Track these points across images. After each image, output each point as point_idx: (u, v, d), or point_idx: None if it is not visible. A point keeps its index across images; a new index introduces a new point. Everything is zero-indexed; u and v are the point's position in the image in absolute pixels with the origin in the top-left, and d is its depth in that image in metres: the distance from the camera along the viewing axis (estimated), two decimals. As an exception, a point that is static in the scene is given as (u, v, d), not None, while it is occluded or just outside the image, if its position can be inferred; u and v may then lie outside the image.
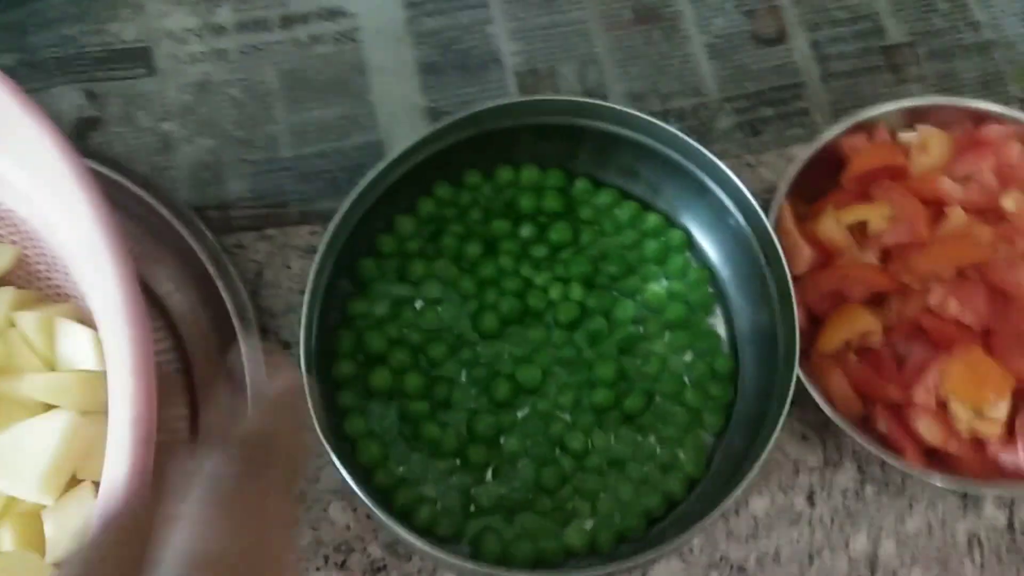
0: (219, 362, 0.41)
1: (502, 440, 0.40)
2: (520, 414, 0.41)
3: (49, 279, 0.38)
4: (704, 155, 0.40)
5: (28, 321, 0.36)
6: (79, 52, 0.47)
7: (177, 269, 0.41)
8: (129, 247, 0.31)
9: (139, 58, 0.47)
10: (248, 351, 0.40)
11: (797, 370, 0.37)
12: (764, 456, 0.36)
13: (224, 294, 0.41)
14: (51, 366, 0.36)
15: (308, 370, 0.36)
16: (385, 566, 0.40)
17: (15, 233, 0.37)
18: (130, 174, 0.42)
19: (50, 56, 0.47)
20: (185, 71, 0.47)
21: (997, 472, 0.40)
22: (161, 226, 0.42)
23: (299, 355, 0.37)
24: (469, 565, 0.35)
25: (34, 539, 0.33)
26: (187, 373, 0.41)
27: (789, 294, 0.38)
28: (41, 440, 0.33)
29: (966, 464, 0.40)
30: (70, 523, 0.34)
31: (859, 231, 0.43)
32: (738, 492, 0.35)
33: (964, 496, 0.43)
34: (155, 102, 0.46)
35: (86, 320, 0.37)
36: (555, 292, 0.42)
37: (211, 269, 0.41)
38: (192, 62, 0.47)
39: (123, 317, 0.30)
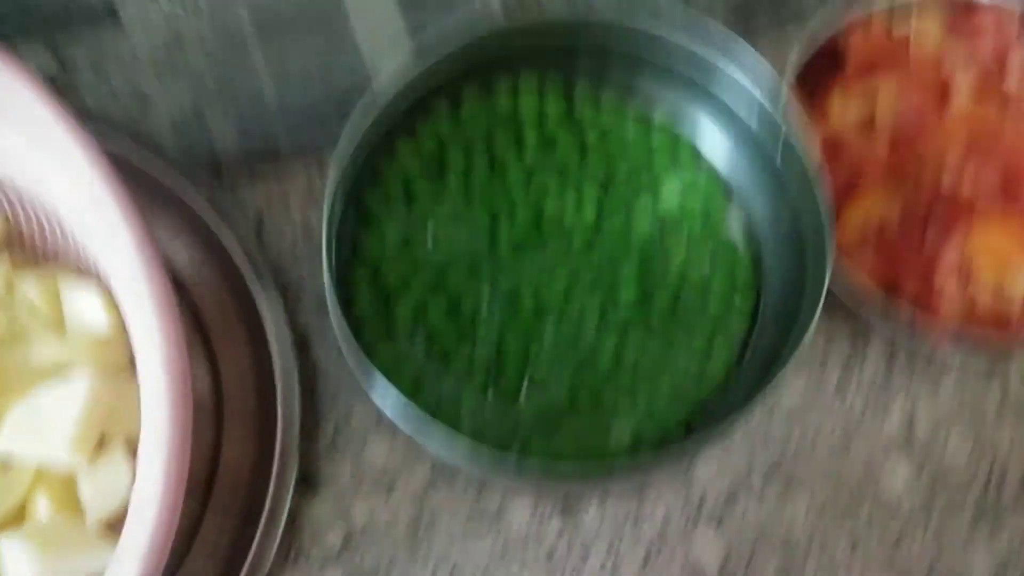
0: (233, 314, 0.39)
1: (532, 359, 0.40)
2: (547, 334, 0.40)
3: (44, 243, 0.37)
4: (707, 55, 0.39)
5: (29, 286, 0.34)
6: (40, 13, 0.44)
7: (175, 223, 0.40)
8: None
9: (104, 14, 0.45)
10: (265, 299, 0.39)
11: (830, 263, 0.36)
12: (800, 349, 0.36)
13: (229, 243, 0.40)
14: (60, 329, 0.35)
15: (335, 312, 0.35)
16: (431, 490, 0.39)
17: (1, 200, 0.36)
18: (111, 129, 0.40)
19: (10, 19, 0.44)
20: (153, 23, 0.45)
21: (1021, 341, 0.40)
22: (152, 180, 0.40)
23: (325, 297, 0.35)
24: (520, 464, 0.34)
25: (71, 504, 0.32)
26: (202, 330, 0.39)
27: (811, 185, 0.37)
28: (65, 402, 0.32)
29: (991, 336, 0.40)
30: (105, 484, 0.33)
31: (865, 123, 0.43)
32: (772, 387, 0.35)
33: (991, 367, 0.43)
34: (126, 58, 0.44)
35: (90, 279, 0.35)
36: (568, 211, 0.41)
37: (211, 219, 0.40)
38: (159, 13, 0.45)
39: (138, 261, 0.28)
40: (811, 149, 0.38)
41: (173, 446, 0.27)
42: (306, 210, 0.43)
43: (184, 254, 0.40)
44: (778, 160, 0.39)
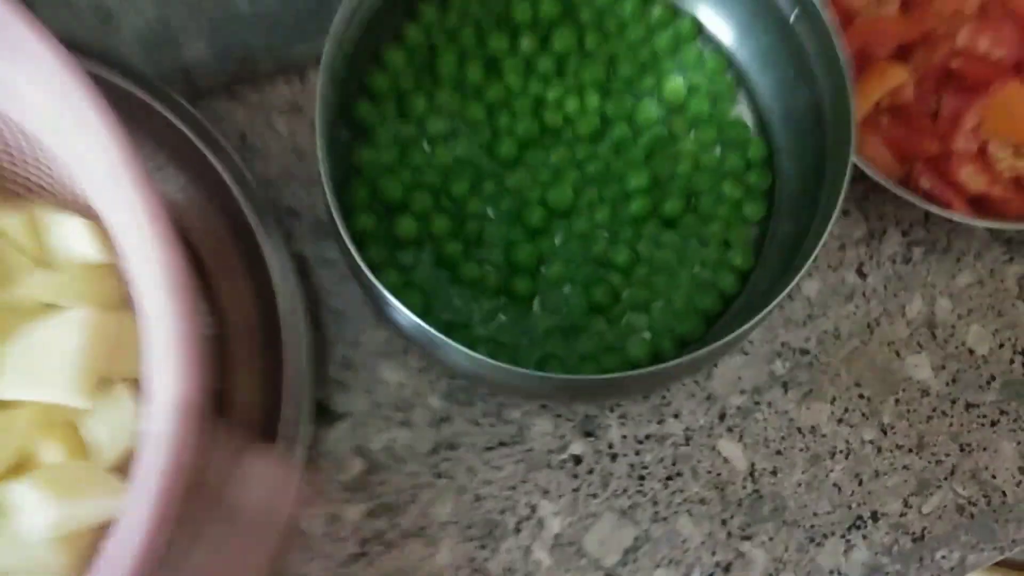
0: (228, 242, 0.37)
1: (543, 269, 0.38)
2: (557, 239, 0.38)
3: (15, 177, 0.34)
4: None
5: (9, 223, 0.32)
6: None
7: (154, 146, 0.37)
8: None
9: (48, -74, 0.41)
10: (261, 225, 0.37)
11: (854, 135, 0.34)
12: (824, 238, 0.34)
13: (216, 168, 0.37)
14: (47, 265, 0.32)
15: (341, 231, 0.33)
16: (449, 416, 0.38)
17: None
18: (76, 47, 0.37)
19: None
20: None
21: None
22: (126, 99, 0.37)
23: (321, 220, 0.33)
24: (542, 375, 0.33)
25: (77, 448, 0.30)
26: (197, 262, 0.37)
27: (831, 47, 0.34)
28: (61, 339, 0.29)
29: (1009, 207, 0.40)
30: (111, 425, 0.31)
31: (874, -13, 0.41)
32: (798, 278, 0.34)
33: (1009, 242, 0.42)
34: (81, -29, 0.41)
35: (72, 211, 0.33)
36: (570, 105, 0.39)
37: (195, 144, 0.37)
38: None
39: (128, 179, 0.26)
40: (826, 5, 0.36)
41: (184, 368, 0.26)
42: (293, 129, 0.40)
43: (166, 176, 0.37)
44: (792, 18, 0.36)
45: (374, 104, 0.38)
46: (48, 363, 0.29)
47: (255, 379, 0.37)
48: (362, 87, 0.38)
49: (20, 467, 0.30)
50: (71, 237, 0.32)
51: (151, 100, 0.37)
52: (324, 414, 0.38)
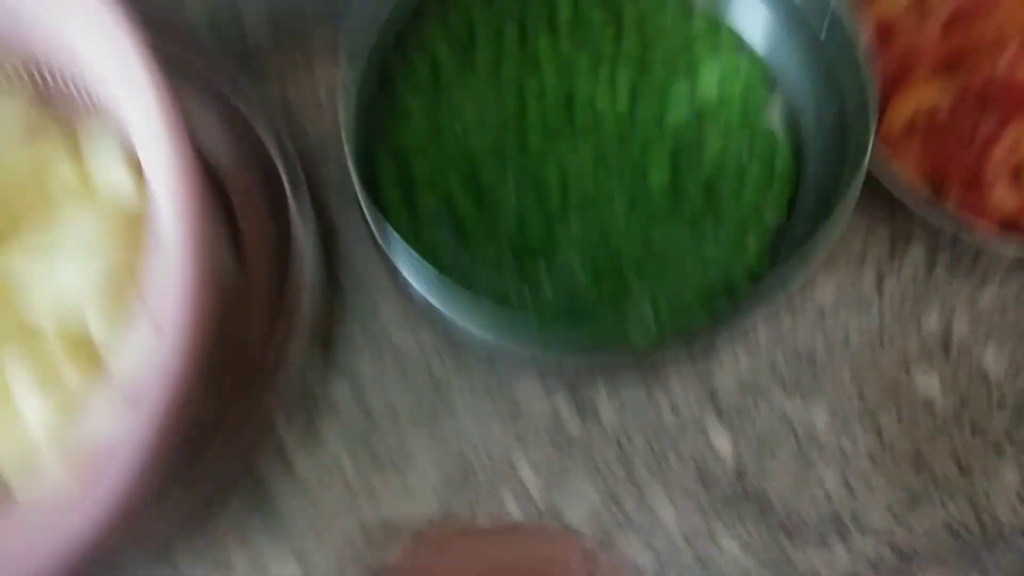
0: (262, 202, 0.39)
1: (559, 247, 0.39)
2: (575, 225, 0.39)
3: (73, 109, 0.36)
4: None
5: (54, 153, 0.34)
6: None
7: (207, 109, 0.39)
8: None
9: None
10: (288, 179, 0.38)
11: (870, 147, 0.34)
12: (831, 238, 0.34)
13: (261, 132, 0.39)
14: (86, 198, 0.35)
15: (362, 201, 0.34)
16: (449, 381, 0.40)
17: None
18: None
19: None
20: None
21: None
22: (187, 68, 0.39)
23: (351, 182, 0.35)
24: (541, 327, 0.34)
25: (96, 369, 0.33)
26: (230, 218, 0.39)
27: (857, 62, 0.35)
28: (90, 269, 0.32)
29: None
30: (128, 353, 0.33)
31: (917, 6, 0.40)
32: (798, 277, 0.34)
33: (1035, 272, 0.41)
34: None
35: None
36: (600, 97, 0.40)
37: (243, 107, 0.39)
38: None
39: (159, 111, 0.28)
40: (858, 22, 0.36)
41: (194, 290, 0.27)
42: (336, 106, 0.42)
43: (216, 139, 0.39)
44: (823, 35, 0.37)
45: (412, 83, 0.40)
46: (76, 291, 0.32)
47: (266, 317, 0.39)
48: (404, 72, 0.40)
49: (43, 383, 0.33)
50: (109, 171, 0.34)
51: (208, 67, 0.39)
52: (334, 369, 0.40)
